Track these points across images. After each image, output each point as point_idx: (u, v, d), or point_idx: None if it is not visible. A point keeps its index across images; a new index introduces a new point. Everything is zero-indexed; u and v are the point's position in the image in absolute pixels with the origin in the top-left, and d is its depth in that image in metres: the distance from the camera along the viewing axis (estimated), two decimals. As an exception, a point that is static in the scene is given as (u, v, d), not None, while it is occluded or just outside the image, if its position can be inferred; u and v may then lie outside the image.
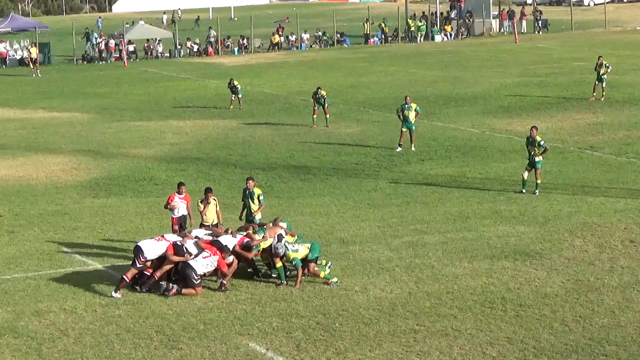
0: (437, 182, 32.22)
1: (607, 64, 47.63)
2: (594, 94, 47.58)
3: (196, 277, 21.26)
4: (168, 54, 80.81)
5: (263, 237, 22.33)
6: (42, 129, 45.59)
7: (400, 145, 37.35)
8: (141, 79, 65.24)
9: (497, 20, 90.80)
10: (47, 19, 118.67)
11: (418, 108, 37.82)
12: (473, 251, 23.92)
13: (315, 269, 21.93)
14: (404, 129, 37.33)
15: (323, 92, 43.02)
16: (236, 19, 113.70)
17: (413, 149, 37.17)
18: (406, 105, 37.36)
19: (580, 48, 73.07)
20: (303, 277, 21.87)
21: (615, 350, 17.70)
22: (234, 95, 49.65)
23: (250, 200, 24.52)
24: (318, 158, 36.90)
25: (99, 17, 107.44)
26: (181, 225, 24.24)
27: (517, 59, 68.08)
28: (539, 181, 30.02)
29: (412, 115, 37.27)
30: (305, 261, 21.97)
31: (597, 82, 47.53)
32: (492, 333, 18.69)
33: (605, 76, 47.32)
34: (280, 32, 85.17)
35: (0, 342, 19.02)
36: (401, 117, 37.38)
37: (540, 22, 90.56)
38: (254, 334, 19.08)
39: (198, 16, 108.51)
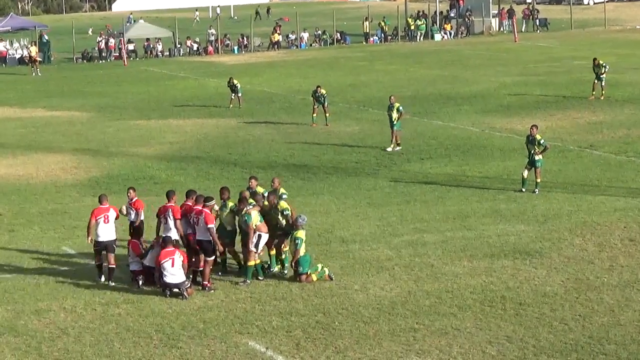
0: (436, 180, 32.22)
1: (604, 64, 47.57)
2: (593, 92, 47.57)
3: (185, 284, 21.10)
4: (168, 53, 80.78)
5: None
6: (42, 128, 45.60)
7: (398, 144, 37.29)
8: (141, 78, 65.23)
9: (497, 19, 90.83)
10: (46, 18, 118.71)
11: (401, 108, 37.61)
12: (473, 250, 23.92)
13: (307, 278, 21.89)
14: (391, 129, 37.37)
15: (323, 91, 42.99)
16: (236, 17, 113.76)
17: (398, 148, 36.97)
18: (390, 105, 37.27)
19: (580, 47, 73.06)
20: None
21: (614, 349, 17.71)
22: (233, 94, 49.63)
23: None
24: (317, 157, 36.90)
25: (130, 14, 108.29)
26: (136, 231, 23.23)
27: (516, 58, 68.06)
28: (538, 180, 30.02)
29: (394, 115, 37.11)
30: (296, 274, 22.05)
31: (596, 81, 47.54)
32: (491, 332, 18.70)
33: (604, 75, 47.30)
34: (278, 31, 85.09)
35: (0, 340, 19.04)
36: (388, 116, 37.38)
37: (538, 20, 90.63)
38: (253, 332, 19.08)
39: (268, 8, 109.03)
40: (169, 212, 21.99)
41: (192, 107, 50.59)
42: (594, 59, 47.99)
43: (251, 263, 21.90)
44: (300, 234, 22.09)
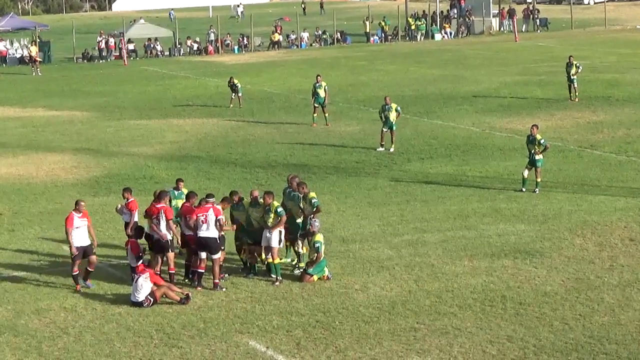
0: (437, 180, 32.22)
1: (578, 64, 47.39)
2: (570, 94, 47.31)
3: (144, 304, 20.69)
4: (168, 53, 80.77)
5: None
6: (42, 128, 45.60)
7: (382, 145, 37.27)
8: (141, 78, 65.23)
9: (497, 18, 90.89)
10: (47, 18, 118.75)
11: (399, 108, 37.68)
12: (473, 249, 23.92)
13: (310, 279, 21.90)
14: (384, 129, 37.29)
15: (324, 83, 42.88)
16: (235, 17, 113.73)
17: (392, 149, 36.99)
18: (387, 106, 37.29)
19: (581, 47, 73.02)
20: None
21: (615, 349, 17.71)
22: (234, 94, 49.64)
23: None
24: (318, 156, 36.89)
25: (172, 10, 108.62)
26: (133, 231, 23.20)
27: (517, 58, 68.07)
28: (539, 179, 30.02)
29: (392, 116, 37.18)
30: (303, 272, 22.11)
31: (568, 83, 47.19)
32: (492, 331, 18.69)
33: (575, 76, 46.93)
34: (279, 31, 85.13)
35: (1, 340, 19.04)
36: (383, 117, 37.39)
37: (538, 20, 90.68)
38: (254, 332, 19.08)
39: (322, 3, 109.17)
40: (161, 213, 21.88)
41: (192, 107, 50.58)
42: (570, 57, 47.63)
43: (277, 260, 22.09)
44: (319, 237, 22.14)
